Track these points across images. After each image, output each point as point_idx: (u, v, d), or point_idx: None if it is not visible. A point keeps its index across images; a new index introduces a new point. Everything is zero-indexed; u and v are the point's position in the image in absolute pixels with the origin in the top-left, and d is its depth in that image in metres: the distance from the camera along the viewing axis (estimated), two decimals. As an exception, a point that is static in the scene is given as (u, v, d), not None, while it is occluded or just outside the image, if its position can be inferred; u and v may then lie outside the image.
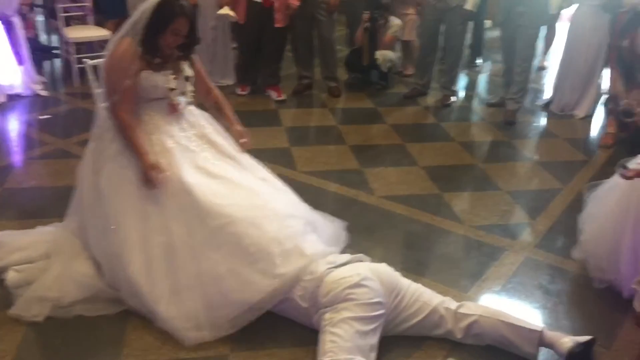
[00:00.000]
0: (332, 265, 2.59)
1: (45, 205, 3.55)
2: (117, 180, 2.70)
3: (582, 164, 4.56)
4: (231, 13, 5.12)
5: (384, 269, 2.64)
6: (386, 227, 3.56)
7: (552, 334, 2.51)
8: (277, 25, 5.22)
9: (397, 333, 2.59)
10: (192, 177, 2.70)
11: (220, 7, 5.15)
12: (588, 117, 5.43)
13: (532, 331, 2.50)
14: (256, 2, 5.11)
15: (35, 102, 5.22)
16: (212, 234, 2.64)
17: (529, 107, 5.67)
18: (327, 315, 2.43)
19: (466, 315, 2.56)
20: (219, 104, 3.06)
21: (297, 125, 5.10)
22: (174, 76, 2.78)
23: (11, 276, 2.78)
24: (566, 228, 3.63)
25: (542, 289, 3.05)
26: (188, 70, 2.87)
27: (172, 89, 2.78)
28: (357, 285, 2.45)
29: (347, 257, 2.72)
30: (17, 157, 4.26)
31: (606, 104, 5.35)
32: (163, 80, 2.75)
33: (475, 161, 4.54)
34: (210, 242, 2.63)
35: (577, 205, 3.91)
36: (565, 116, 5.49)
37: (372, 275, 2.53)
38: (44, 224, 3.18)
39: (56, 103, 5.28)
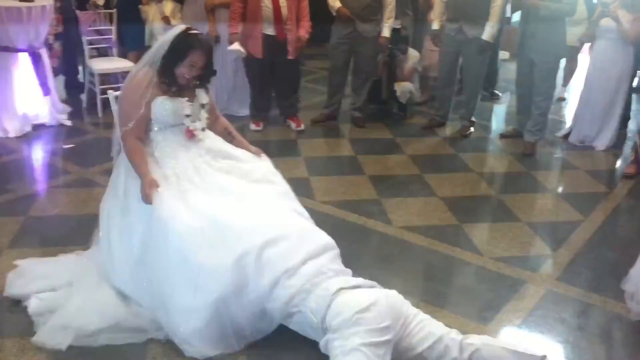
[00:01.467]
0: (346, 286, 2.60)
1: (68, 233, 3.60)
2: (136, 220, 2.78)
3: (603, 196, 4.53)
4: (241, 49, 5.19)
5: (394, 295, 2.63)
6: (405, 258, 3.55)
7: None
8: (290, 57, 5.31)
9: None
10: (207, 202, 2.75)
11: (231, 43, 5.23)
12: (608, 149, 5.41)
13: (533, 357, 2.48)
14: (270, 35, 5.19)
15: (59, 131, 5.34)
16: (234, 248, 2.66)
17: (549, 138, 5.66)
18: (336, 343, 2.42)
19: (470, 345, 2.54)
20: (229, 130, 3.17)
21: (316, 155, 5.14)
22: (190, 103, 2.87)
23: (34, 304, 2.81)
24: (588, 261, 3.60)
25: (564, 322, 3.00)
26: (204, 98, 2.96)
27: (188, 115, 2.85)
28: (367, 309, 2.45)
29: (360, 280, 2.73)
30: (41, 185, 4.34)
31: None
32: (179, 106, 2.83)
33: (494, 192, 4.53)
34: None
35: (599, 237, 3.89)
36: (585, 147, 5.47)
37: (381, 300, 2.52)
38: (66, 252, 3.23)
39: (80, 133, 5.38)
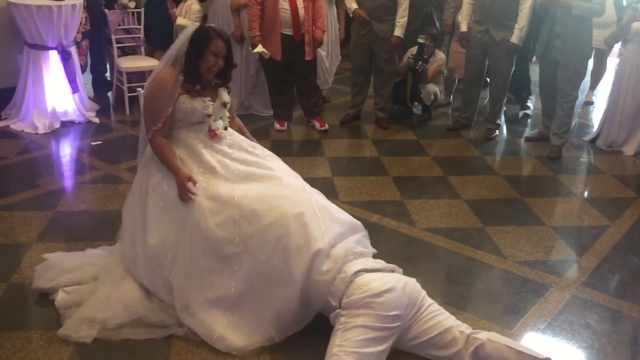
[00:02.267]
0: (365, 268, 2.62)
1: (95, 228, 3.66)
2: (160, 211, 2.82)
3: (631, 201, 4.45)
4: (265, 50, 5.23)
5: (412, 283, 2.65)
6: (428, 260, 3.54)
7: None
8: (307, 58, 5.35)
9: (407, 348, 2.61)
10: (232, 190, 2.80)
11: (252, 46, 5.27)
12: (637, 154, 5.32)
13: (536, 358, 2.48)
14: (287, 35, 5.23)
15: (87, 128, 5.42)
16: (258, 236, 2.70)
17: (575, 142, 5.59)
18: (342, 319, 2.48)
19: (476, 339, 2.55)
20: (242, 130, 3.21)
21: (340, 156, 5.14)
22: (212, 102, 2.90)
23: (60, 297, 2.86)
24: (615, 266, 3.55)
25: (589, 328, 2.97)
26: (225, 97, 2.98)
27: (210, 115, 2.89)
28: (380, 294, 2.48)
29: (381, 263, 2.75)
30: (69, 181, 4.41)
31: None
32: (201, 105, 2.87)
33: (519, 195, 4.48)
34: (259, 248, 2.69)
35: (626, 243, 3.83)
36: (613, 152, 5.39)
37: (399, 286, 2.54)
38: (93, 247, 3.30)
39: (107, 130, 5.46)
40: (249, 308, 2.70)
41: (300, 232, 2.65)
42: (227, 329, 2.67)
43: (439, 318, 2.60)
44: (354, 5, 5.45)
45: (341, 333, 2.43)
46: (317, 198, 2.93)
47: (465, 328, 2.60)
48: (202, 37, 2.81)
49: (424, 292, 2.67)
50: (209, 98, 2.90)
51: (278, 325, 2.68)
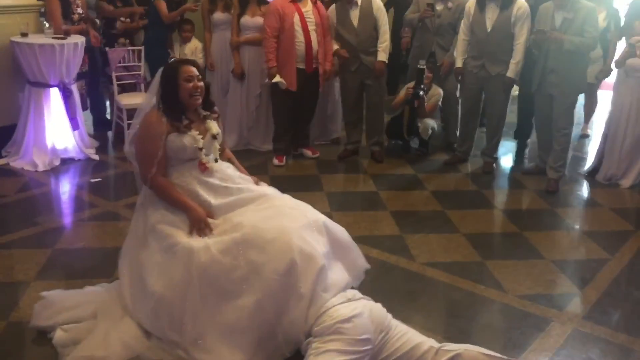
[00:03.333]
0: (344, 301, 2.68)
1: (94, 266, 3.65)
2: (161, 253, 2.82)
3: (630, 234, 4.46)
4: (283, 80, 5.34)
5: (378, 308, 2.74)
6: (428, 295, 3.52)
7: None
8: (321, 89, 5.58)
9: None
10: (230, 216, 2.86)
11: (270, 76, 5.38)
12: (635, 187, 5.34)
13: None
14: (301, 69, 5.39)
15: (87, 165, 5.44)
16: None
17: (572, 175, 5.62)
18: (314, 345, 2.53)
19: (447, 352, 2.63)
20: (232, 160, 3.24)
21: (338, 191, 5.16)
22: (201, 136, 2.92)
23: (59, 335, 2.84)
24: (615, 300, 3.53)
25: (591, 363, 2.95)
26: (214, 128, 3.00)
27: (201, 148, 2.91)
28: (348, 320, 2.55)
29: (351, 293, 2.80)
30: (68, 218, 4.42)
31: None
32: (191, 140, 2.89)
33: (518, 229, 4.48)
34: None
35: (626, 276, 3.83)
36: (611, 185, 5.40)
37: (366, 311, 2.63)
38: (92, 284, 3.27)
39: (107, 167, 5.49)
40: (261, 326, 2.68)
41: (303, 249, 2.69)
42: (242, 354, 2.66)
43: (407, 336, 2.69)
44: (335, 46, 5.56)
45: (313, 357, 2.47)
46: (313, 212, 3.01)
47: (433, 342, 2.69)
48: (169, 71, 2.89)
49: (389, 316, 2.76)
50: (197, 132, 2.92)
51: (288, 341, 2.69)
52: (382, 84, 5.77)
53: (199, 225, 2.80)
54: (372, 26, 5.48)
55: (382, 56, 5.52)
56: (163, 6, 5.92)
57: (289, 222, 2.78)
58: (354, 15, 5.47)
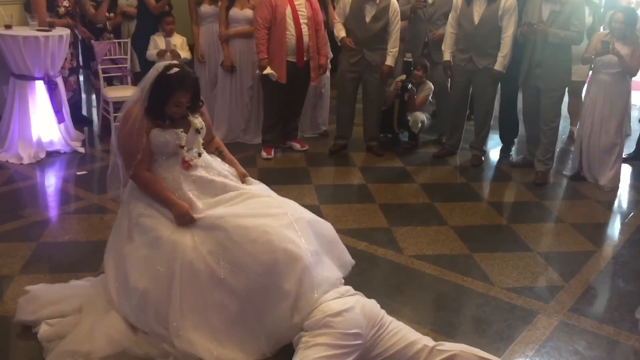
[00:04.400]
0: (337, 296, 2.67)
1: (79, 259, 3.62)
2: (145, 248, 2.80)
3: (616, 226, 4.49)
4: (274, 72, 5.32)
5: (371, 304, 2.73)
6: (415, 287, 3.53)
7: None
8: (313, 83, 5.61)
9: None
10: (212, 213, 2.81)
11: (261, 68, 5.35)
12: (616, 187, 5.19)
13: None
14: (291, 62, 5.37)
15: (73, 158, 5.39)
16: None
17: (560, 169, 5.64)
18: (304, 338, 2.53)
19: (442, 352, 2.62)
20: (220, 149, 3.19)
21: (327, 184, 5.15)
22: (184, 132, 2.88)
23: (43, 330, 2.81)
24: (601, 292, 3.56)
25: (578, 354, 2.96)
26: (198, 123, 2.94)
27: (182, 146, 2.87)
28: (338, 314, 2.55)
29: (344, 289, 2.77)
30: (53, 212, 4.37)
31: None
32: (173, 137, 2.85)
33: (506, 222, 4.50)
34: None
35: (612, 268, 3.85)
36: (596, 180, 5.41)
37: (357, 306, 2.62)
38: (77, 278, 3.25)
39: (93, 160, 5.44)
40: (244, 326, 2.68)
41: (287, 248, 2.66)
42: (224, 349, 2.65)
43: (402, 333, 2.67)
44: (342, 34, 5.52)
45: (302, 351, 2.47)
46: (297, 210, 2.98)
47: (428, 341, 2.67)
48: (163, 86, 2.76)
49: (383, 312, 2.73)
50: (181, 129, 2.87)
51: (270, 340, 2.68)
52: (382, 80, 5.75)
53: (183, 219, 2.77)
54: (383, 26, 5.44)
55: (390, 61, 5.55)
56: (150, -3, 5.86)
57: (273, 221, 2.75)
58: (369, 10, 5.42)
